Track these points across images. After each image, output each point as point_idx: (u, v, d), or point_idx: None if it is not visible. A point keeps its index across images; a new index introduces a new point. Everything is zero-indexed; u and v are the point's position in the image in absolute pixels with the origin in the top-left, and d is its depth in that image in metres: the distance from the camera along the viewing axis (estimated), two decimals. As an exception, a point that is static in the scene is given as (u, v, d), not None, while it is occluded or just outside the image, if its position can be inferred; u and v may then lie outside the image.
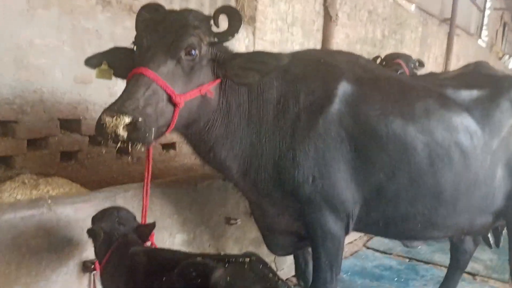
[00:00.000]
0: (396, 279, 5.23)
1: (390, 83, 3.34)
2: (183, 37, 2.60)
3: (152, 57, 2.55)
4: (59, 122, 3.85)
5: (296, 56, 3.22)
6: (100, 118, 2.35)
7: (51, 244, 2.83)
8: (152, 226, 2.69)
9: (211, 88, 2.81)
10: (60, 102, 3.77)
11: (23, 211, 2.72)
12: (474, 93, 3.45)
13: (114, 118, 2.31)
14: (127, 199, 3.27)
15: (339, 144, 3.14)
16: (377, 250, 6.08)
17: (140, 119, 2.34)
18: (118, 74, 2.86)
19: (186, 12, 2.79)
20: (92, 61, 2.87)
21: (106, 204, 2.98)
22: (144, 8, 2.77)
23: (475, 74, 3.71)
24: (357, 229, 3.49)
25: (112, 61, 2.86)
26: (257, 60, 2.78)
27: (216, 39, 2.74)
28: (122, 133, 2.33)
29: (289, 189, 3.14)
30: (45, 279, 2.83)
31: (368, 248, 6.18)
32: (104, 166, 4.19)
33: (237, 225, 4.21)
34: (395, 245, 6.23)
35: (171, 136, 4.87)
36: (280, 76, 3.12)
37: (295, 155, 3.08)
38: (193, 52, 2.63)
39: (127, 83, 2.53)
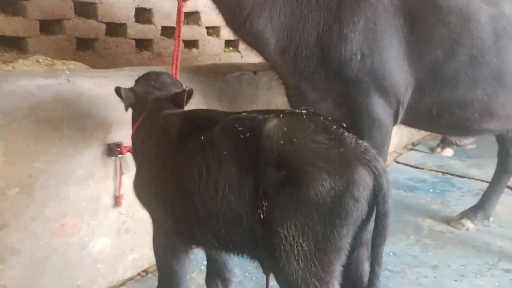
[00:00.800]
0: (431, 190, 4.96)
1: None
2: None
3: None
4: (73, 4, 3.48)
5: None
6: None
7: (73, 120, 2.55)
8: (190, 92, 2.35)
9: None
10: (73, -21, 3.39)
11: (40, 79, 2.42)
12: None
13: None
14: (152, 80, 2.95)
15: (392, 16, 2.74)
16: (408, 165, 5.79)
17: None
18: None
19: None
20: None
21: (129, 83, 2.66)
22: None
23: None
24: (406, 120, 3.14)
25: None
26: None
27: None
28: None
29: (334, 68, 2.78)
30: (67, 158, 2.56)
31: (398, 163, 5.90)
32: (123, 59, 3.86)
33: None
34: (426, 160, 5.94)
35: (193, 33, 4.49)
36: None
37: (342, 27, 2.70)
38: None
39: None
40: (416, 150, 6.43)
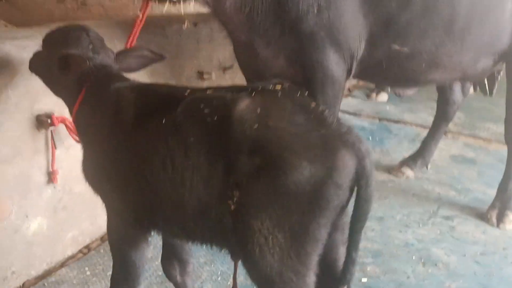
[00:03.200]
0: (370, 138, 5.01)
1: None
2: None
3: None
4: None
5: None
6: None
7: (-9, 91, 2.17)
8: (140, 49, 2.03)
9: None
10: None
11: None
12: None
13: None
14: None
15: (348, -34, 2.57)
16: (346, 112, 5.79)
17: None
18: None
19: None
20: None
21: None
22: None
23: None
24: (355, 73, 3.04)
25: None
26: None
27: None
28: None
29: (290, 23, 2.64)
30: (-12, 135, 2.21)
31: (336, 110, 5.87)
32: (43, 10, 3.36)
33: (211, 80, 3.65)
34: (363, 107, 5.98)
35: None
36: None
37: None
38: None
39: None
40: (352, 96, 6.44)
